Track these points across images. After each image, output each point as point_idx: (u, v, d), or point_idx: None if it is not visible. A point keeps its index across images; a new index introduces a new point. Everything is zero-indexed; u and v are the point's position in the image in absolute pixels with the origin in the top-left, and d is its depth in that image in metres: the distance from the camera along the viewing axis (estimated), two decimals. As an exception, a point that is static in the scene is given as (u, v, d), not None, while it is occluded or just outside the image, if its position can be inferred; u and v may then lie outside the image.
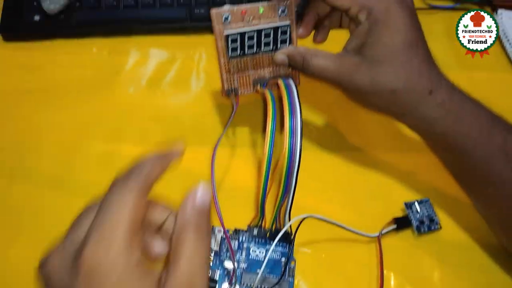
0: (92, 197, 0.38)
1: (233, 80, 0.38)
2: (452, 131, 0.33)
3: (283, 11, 0.35)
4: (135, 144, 0.43)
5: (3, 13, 0.49)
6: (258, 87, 0.38)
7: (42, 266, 0.22)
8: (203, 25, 0.50)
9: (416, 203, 0.39)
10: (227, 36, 0.34)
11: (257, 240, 0.36)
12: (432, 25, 0.50)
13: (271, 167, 0.30)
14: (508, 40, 0.50)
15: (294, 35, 0.36)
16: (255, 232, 0.36)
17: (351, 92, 0.35)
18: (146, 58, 0.50)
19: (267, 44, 0.36)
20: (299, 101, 0.31)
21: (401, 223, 0.38)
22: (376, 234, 0.37)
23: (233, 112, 0.37)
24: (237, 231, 0.36)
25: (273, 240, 0.34)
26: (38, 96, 0.46)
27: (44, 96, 0.46)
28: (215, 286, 0.34)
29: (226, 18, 0.34)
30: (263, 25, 0.34)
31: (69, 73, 0.48)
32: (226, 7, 0.33)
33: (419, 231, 0.37)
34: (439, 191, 0.40)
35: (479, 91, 0.44)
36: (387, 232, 0.37)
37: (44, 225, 0.37)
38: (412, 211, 0.38)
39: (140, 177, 0.23)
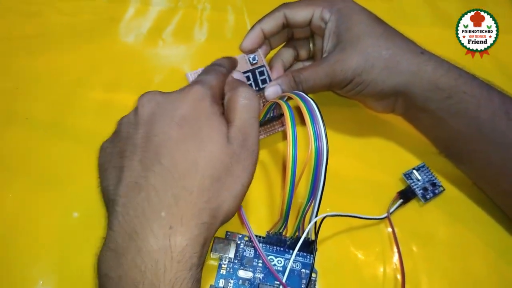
0: (88, 143, 0.38)
1: None
2: (456, 90, 0.33)
3: (253, 59, 0.37)
4: (134, 93, 0.41)
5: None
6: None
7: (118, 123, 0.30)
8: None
9: (414, 171, 0.38)
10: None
11: (276, 249, 0.34)
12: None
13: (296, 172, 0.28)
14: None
15: (271, 75, 0.38)
16: (275, 239, 0.33)
17: (349, 87, 0.35)
18: (147, 6, 0.49)
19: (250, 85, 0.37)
20: (317, 107, 0.27)
21: (406, 195, 0.37)
22: (385, 214, 0.35)
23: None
24: (256, 236, 0.34)
25: (293, 249, 0.32)
26: (35, 42, 0.45)
27: (41, 42, 0.45)
28: None
29: None
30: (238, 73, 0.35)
31: (68, 19, 0.47)
32: (200, 69, 0.34)
33: (425, 198, 0.36)
34: (431, 155, 0.39)
35: None
36: (395, 210, 0.36)
37: (38, 170, 0.36)
38: (413, 180, 0.37)
39: (221, 69, 0.32)
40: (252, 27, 0.37)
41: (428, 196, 0.37)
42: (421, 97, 0.34)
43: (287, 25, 0.37)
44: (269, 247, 0.34)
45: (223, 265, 0.32)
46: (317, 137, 0.26)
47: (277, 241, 0.33)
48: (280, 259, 0.33)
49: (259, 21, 0.37)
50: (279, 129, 0.39)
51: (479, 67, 0.45)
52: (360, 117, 0.42)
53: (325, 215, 0.32)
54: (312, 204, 0.29)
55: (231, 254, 0.32)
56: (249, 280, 0.32)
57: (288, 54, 0.40)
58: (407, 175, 0.37)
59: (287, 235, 0.33)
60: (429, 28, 0.50)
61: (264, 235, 0.33)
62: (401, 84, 0.34)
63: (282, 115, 0.37)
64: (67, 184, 0.36)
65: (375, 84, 0.34)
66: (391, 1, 0.53)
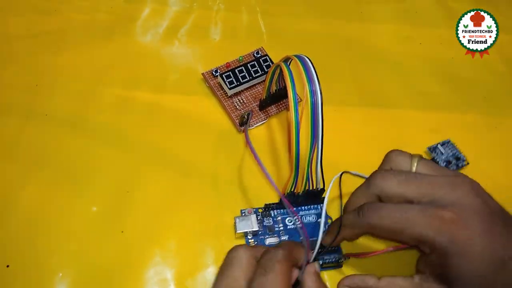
0: (106, 139, 0.39)
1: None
2: None
3: None
4: (150, 91, 0.42)
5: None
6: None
7: None
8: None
9: (439, 146, 0.38)
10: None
11: (289, 210, 0.35)
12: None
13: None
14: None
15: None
16: (288, 199, 0.34)
17: None
18: (163, 6, 0.50)
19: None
20: (313, 66, 0.30)
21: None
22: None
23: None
24: (268, 207, 0.35)
25: (305, 204, 0.34)
26: (54, 40, 0.46)
27: (60, 40, 0.46)
28: None
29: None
30: None
31: (86, 18, 0.48)
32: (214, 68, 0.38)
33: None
34: (459, 133, 0.40)
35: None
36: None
37: (57, 165, 0.37)
38: (437, 154, 0.38)
39: (285, 250, 0.26)
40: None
41: (451, 169, 0.37)
42: None
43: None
44: (284, 210, 0.35)
45: (250, 240, 0.33)
46: (310, 79, 0.29)
47: (291, 201, 0.34)
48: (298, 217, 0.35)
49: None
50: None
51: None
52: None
53: (342, 172, 0.33)
54: (316, 149, 0.31)
55: (256, 226, 0.33)
56: (276, 243, 0.33)
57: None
58: (431, 149, 0.38)
59: (299, 191, 0.34)
60: (441, 29, 0.50)
61: (277, 201, 0.35)
62: None
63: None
64: (86, 179, 0.37)
65: None
66: (404, 1, 0.53)
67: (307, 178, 0.32)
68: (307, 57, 0.31)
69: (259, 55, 0.43)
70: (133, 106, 0.41)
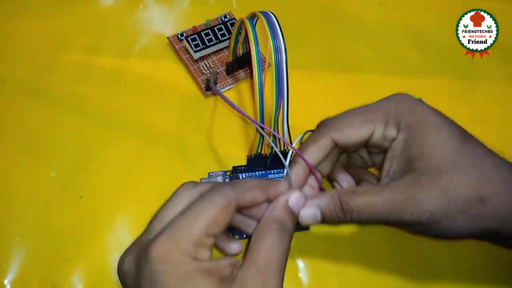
0: (66, 106, 0.38)
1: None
2: None
3: None
4: (113, 57, 0.41)
5: None
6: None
7: (119, 262, 0.23)
8: None
9: None
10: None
11: (259, 173, 0.34)
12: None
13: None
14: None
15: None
16: (256, 161, 0.33)
17: (417, 229, 0.26)
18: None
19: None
20: (277, 21, 0.29)
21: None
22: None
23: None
24: (235, 169, 0.34)
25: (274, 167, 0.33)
26: (12, 5, 0.44)
27: (18, 5, 0.44)
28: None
29: None
30: None
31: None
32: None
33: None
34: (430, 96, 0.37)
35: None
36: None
37: (16, 131, 0.36)
38: None
39: (237, 192, 0.23)
40: (293, 163, 0.28)
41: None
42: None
43: (336, 148, 0.29)
44: (252, 173, 0.34)
45: None
46: (273, 33, 0.28)
47: (258, 163, 0.33)
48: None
49: (301, 151, 0.28)
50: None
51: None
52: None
53: (307, 131, 0.31)
54: (282, 108, 0.29)
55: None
56: None
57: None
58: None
59: (266, 152, 0.33)
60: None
61: (245, 164, 0.34)
62: (493, 227, 0.25)
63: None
64: (45, 145, 0.36)
65: (457, 231, 0.25)
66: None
67: (274, 139, 0.31)
68: (272, 13, 0.30)
69: (227, 19, 0.42)
70: (95, 73, 0.40)
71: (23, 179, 0.34)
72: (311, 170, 0.27)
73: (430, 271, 0.33)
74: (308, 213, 0.26)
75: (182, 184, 0.25)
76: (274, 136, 0.31)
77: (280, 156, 0.27)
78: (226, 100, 0.31)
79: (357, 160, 0.31)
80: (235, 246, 0.26)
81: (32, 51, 0.41)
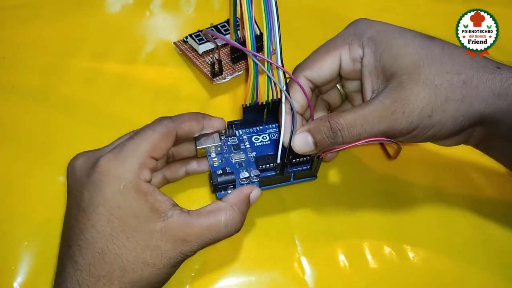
0: (73, 111, 0.38)
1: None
2: None
3: None
4: (121, 63, 0.42)
5: None
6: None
7: (72, 159, 0.27)
8: None
9: None
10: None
11: (257, 129, 0.33)
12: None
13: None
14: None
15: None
16: (252, 113, 0.31)
17: (413, 134, 0.26)
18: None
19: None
20: None
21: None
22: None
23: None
24: (231, 124, 0.33)
25: (271, 120, 0.32)
26: (22, 12, 0.45)
27: (29, 12, 0.45)
28: (233, 178, 0.30)
29: None
30: None
31: (55, -11, 0.47)
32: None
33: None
34: None
35: None
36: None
37: (25, 136, 0.37)
38: None
39: (175, 123, 0.27)
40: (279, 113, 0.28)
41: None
42: (508, 124, 0.26)
43: (314, 88, 0.29)
44: (250, 129, 0.33)
45: (213, 158, 0.31)
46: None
47: (253, 116, 0.32)
48: (265, 135, 0.33)
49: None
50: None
51: None
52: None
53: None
54: (273, 41, 0.27)
55: (218, 141, 0.31)
56: (244, 161, 0.32)
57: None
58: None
59: (263, 100, 0.31)
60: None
61: (240, 117, 0.33)
62: (484, 112, 0.25)
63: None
64: (53, 150, 0.36)
65: (452, 122, 0.25)
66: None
67: (269, 84, 0.29)
68: None
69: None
70: (103, 78, 0.41)
71: (31, 183, 0.34)
72: (306, 97, 0.27)
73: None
74: (299, 139, 0.27)
75: None
76: (270, 79, 0.29)
77: (280, 85, 0.27)
78: (220, 36, 0.30)
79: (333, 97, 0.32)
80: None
81: (41, 57, 0.42)
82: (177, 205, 0.26)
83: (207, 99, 0.39)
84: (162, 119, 0.27)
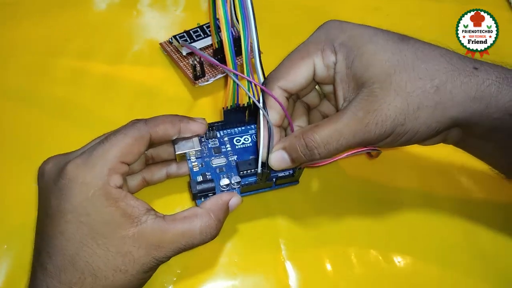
0: (59, 111, 0.37)
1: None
2: None
3: None
4: (106, 63, 0.41)
5: None
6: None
7: (43, 163, 0.26)
8: None
9: None
10: None
11: (239, 130, 0.33)
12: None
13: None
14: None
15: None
16: (233, 114, 0.31)
17: (387, 140, 0.26)
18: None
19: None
20: None
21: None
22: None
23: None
24: (211, 126, 0.32)
25: (253, 121, 0.31)
26: (7, 10, 0.44)
27: (13, 11, 0.44)
28: (213, 186, 0.29)
29: None
30: None
31: (40, -12, 0.46)
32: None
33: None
34: None
35: None
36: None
37: (8, 136, 0.36)
38: None
39: (149, 126, 0.26)
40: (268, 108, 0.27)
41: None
42: (485, 126, 0.26)
43: (290, 96, 0.29)
44: (231, 130, 0.33)
45: (193, 163, 0.31)
46: None
47: (235, 117, 0.32)
48: (246, 136, 0.33)
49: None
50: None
51: None
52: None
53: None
54: (250, 39, 0.26)
55: (197, 146, 0.30)
56: (225, 165, 0.31)
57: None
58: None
59: (243, 102, 0.31)
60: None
61: (222, 119, 0.32)
62: (459, 117, 0.25)
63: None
64: (35, 151, 0.35)
65: (425, 128, 0.25)
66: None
67: (249, 86, 0.28)
68: None
69: (218, 22, 0.42)
70: (88, 78, 0.40)
71: (11, 185, 0.34)
72: (283, 109, 0.27)
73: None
74: (275, 156, 0.27)
75: None
76: (250, 83, 0.28)
77: (256, 102, 0.26)
78: (197, 52, 0.28)
79: (315, 103, 0.31)
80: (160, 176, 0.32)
81: (25, 56, 0.41)
82: (152, 209, 0.25)
83: (190, 101, 0.39)
84: (135, 122, 0.27)
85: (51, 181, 0.25)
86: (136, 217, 0.24)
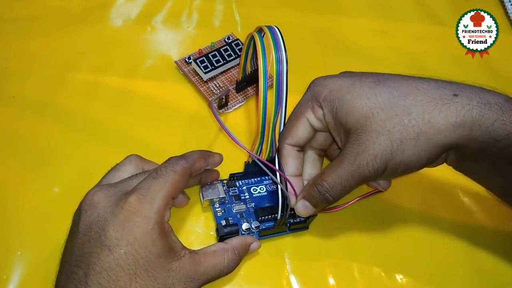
0: (72, 123, 0.39)
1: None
2: None
3: None
4: (121, 77, 0.42)
5: None
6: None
7: (88, 195, 0.27)
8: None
9: None
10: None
11: (256, 180, 0.36)
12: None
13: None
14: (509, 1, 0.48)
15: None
16: (252, 168, 0.35)
17: (386, 174, 0.28)
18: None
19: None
20: (281, 35, 0.30)
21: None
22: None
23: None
24: (232, 176, 0.35)
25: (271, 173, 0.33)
26: (26, 24, 0.45)
27: (32, 25, 0.45)
28: (237, 229, 0.32)
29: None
30: None
31: (59, 3, 0.47)
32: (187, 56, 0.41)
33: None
34: None
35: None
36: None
37: (23, 147, 0.37)
38: None
39: (189, 163, 0.29)
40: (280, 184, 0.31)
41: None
42: (474, 149, 0.27)
43: (301, 148, 0.32)
44: (249, 180, 0.36)
45: (217, 209, 0.34)
46: (276, 46, 0.29)
47: (254, 170, 0.35)
48: (262, 186, 0.36)
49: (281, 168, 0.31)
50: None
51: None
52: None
53: None
54: (280, 116, 0.31)
55: (222, 193, 0.34)
56: (244, 211, 0.34)
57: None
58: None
59: (264, 157, 0.33)
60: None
61: (242, 170, 0.36)
62: (446, 142, 0.27)
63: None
64: (49, 161, 0.36)
65: (415, 158, 0.27)
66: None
67: (271, 144, 0.32)
68: (276, 27, 0.31)
69: (230, 40, 0.44)
70: (102, 92, 0.41)
71: (26, 193, 0.34)
72: (291, 186, 0.31)
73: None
74: (300, 206, 0.30)
75: (128, 156, 0.31)
76: (272, 143, 0.32)
77: (278, 182, 0.31)
78: (223, 126, 0.31)
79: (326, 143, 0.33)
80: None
81: (41, 69, 0.42)
82: (188, 248, 0.28)
83: (206, 117, 0.40)
84: (178, 159, 0.29)
85: (107, 213, 0.26)
86: (177, 252, 0.26)
